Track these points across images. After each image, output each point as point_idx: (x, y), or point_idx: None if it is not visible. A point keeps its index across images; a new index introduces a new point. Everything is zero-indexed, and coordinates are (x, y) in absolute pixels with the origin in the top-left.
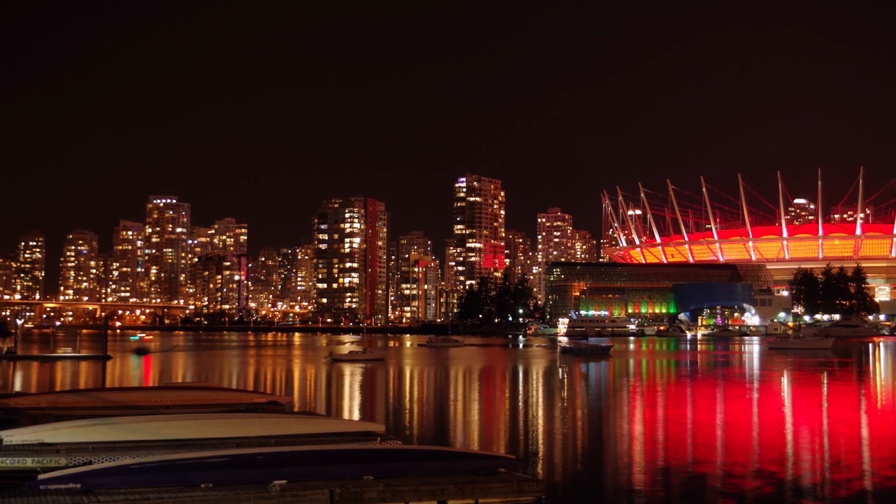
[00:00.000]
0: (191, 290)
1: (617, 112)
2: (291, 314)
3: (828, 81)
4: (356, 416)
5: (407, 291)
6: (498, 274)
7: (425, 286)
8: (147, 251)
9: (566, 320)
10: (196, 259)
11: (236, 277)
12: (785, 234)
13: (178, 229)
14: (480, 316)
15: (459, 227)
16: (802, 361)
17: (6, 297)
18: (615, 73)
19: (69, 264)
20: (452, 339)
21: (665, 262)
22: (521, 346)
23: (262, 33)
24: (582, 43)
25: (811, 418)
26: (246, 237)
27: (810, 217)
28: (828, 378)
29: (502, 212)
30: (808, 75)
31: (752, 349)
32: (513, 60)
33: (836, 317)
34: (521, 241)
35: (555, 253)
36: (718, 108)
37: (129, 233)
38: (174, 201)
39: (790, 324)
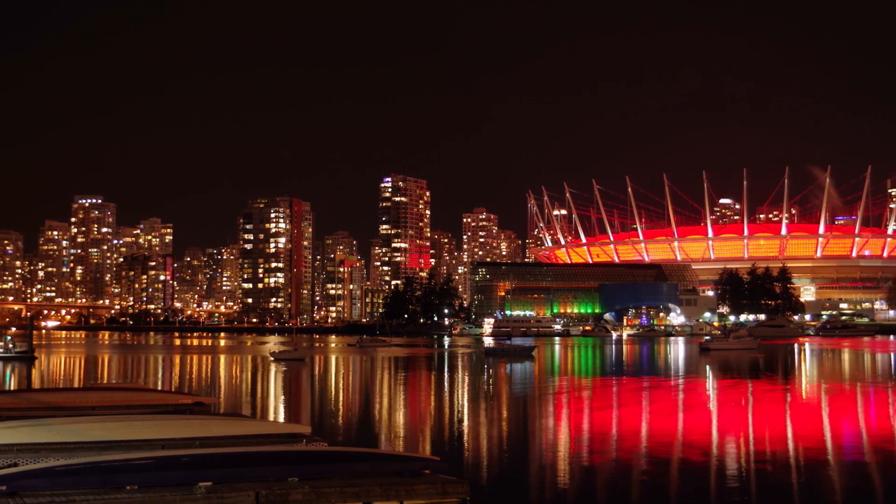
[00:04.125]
0: (116, 290)
1: (543, 112)
2: (217, 314)
3: (752, 84)
4: (282, 417)
5: (332, 291)
6: (423, 274)
7: (351, 286)
8: (73, 251)
9: (492, 320)
10: (121, 259)
11: (162, 277)
12: (710, 233)
13: (104, 229)
14: (406, 316)
15: (385, 226)
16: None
17: None
18: (541, 75)
19: None
20: (380, 339)
21: (590, 262)
22: (446, 346)
23: (186, 33)
24: (508, 46)
25: (734, 416)
26: (171, 237)
27: (736, 217)
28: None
29: (428, 212)
30: (734, 79)
31: (679, 350)
32: (437, 61)
33: (762, 317)
34: (446, 240)
35: (480, 253)
36: (644, 111)
37: (55, 233)
38: (100, 201)
39: (715, 324)
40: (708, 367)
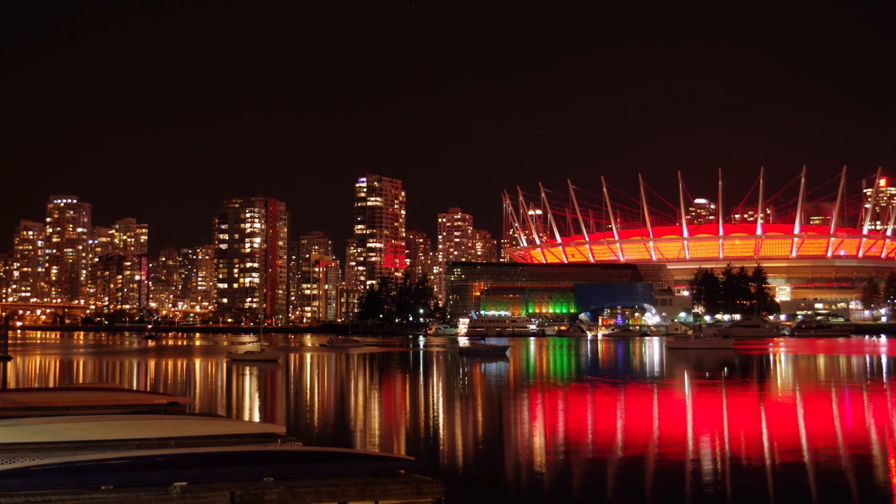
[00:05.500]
0: (91, 290)
1: (519, 116)
2: (192, 314)
3: (726, 86)
4: (257, 417)
5: (308, 291)
6: (399, 274)
7: (326, 286)
8: (48, 251)
9: (467, 320)
10: (97, 259)
11: (137, 277)
12: (685, 233)
13: (79, 229)
14: (381, 316)
15: (360, 227)
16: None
17: None
18: (516, 75)
19: None
20: (353, 339)
21: (566, 262)
22: (421, 346)
23: (163, 39)
24: (484, 46)
25: (707, 414)
26: (147, 237)
27: (711, 217)
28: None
29: (403, 212)
30: (708, 80)
31: (654, 350)
32: (413, 64)
33: (737, 317)
34: (421, 240)
35: (455, 253)
36: (619, 112)
37: (30, 232)
38: (75, 201)
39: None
40: (680, 365)
